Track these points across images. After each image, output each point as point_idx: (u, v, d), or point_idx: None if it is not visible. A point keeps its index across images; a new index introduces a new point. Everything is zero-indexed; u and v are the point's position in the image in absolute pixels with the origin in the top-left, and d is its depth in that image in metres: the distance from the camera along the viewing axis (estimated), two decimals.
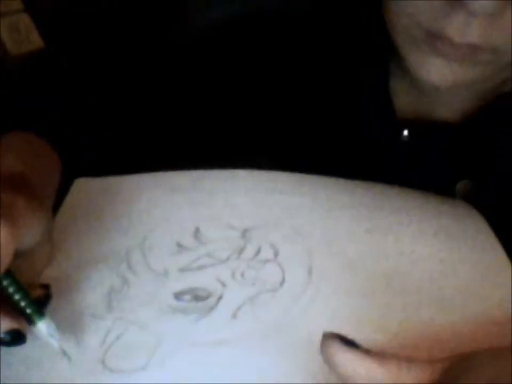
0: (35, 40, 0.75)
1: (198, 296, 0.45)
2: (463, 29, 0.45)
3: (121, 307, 0.46)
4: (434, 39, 0.48)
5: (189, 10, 0.71)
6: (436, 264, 0.46)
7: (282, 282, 0.45)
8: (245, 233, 0.49)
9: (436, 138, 0.56)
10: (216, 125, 0.64)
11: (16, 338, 0.39)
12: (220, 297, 0.45)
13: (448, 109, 0.57)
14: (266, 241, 0.48)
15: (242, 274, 0.46)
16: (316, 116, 0.61)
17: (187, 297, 0.45)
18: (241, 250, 0.48)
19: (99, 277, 0.48)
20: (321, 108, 0.61)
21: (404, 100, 0.59)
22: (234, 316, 0.43)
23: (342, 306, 0.43)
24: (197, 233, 0.50)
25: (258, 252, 0.48)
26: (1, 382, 0.40)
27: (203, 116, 0.65)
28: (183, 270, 0.48)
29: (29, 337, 0.41)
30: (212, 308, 0.44)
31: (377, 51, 0.59)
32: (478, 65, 0.48)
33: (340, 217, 0.50)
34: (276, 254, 0.47)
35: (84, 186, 0.53)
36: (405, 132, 0.57)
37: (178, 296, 0.46)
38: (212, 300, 0.45)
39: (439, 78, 0.49)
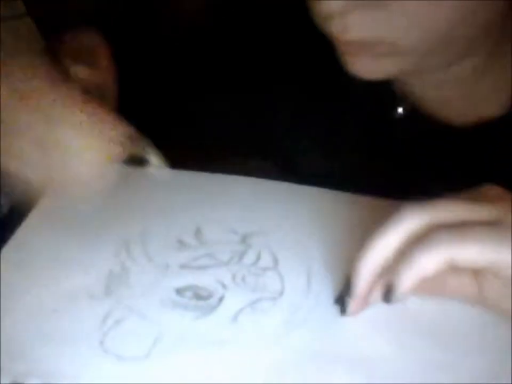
0: (37, 43, 0.75)
1: (199, 294, 0.46)
2: (341, 28, 0.46)
3: (120, 292, 0.47)
4: (333, 39, 0.48)
5: None
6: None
7: (282, 291, 0.47)
8: (245, 238, 0.51)
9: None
10: (212, 124, 0.65)
11: None
12: (221, 299, 0.46)
13: (434, 100, 0.57)
14: (266, 248, 0.50)
15: (243, 279, 0.47)
16: (309, 102, 0.62)
17: (188, 294, 0.46)
18: (242, 255, 0.49)
19: (98, 260, 0.49)
20: (313, 93, 0.62)
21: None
22: (235, 318, 0.45)
23: (341, 316, 0.44)
24: (198, 232, 0.51)
25: (258, 258, 0.49)
26: None
27: (198, 114, 0.65)
28: (183, 266, 0.49)
29: None
30: (213, 308, 0.45)
31: None
32: (391, 58, 0.48)
33: (339, 226, 0.51)
34: (276, 262, 0.49)
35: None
36: (400, 110, 0.57)
37: (179, 291, 0.46)
38: (213, 300, 0.46)
39: (368, 72, 0.49)
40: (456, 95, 0.56)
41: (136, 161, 0.49)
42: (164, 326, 0.44)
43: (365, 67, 0.49)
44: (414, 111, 0.57)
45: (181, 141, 0.63)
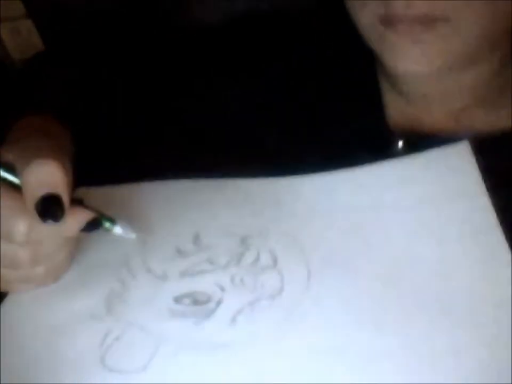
0: (37, 44, 0.76)
1: (197, 300, 0.46)
2: (406, 4, 0.49)
3: (120, 309, 0.46)
4: (389, 23, 0.50)
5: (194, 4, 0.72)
6: (434, 262, 0.46)
7: (281, 289, 0.46)
8: (244, 240, 0.50)
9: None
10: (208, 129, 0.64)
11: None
12: (219, 302, 0.45)
13: (440, 116, 0.58)
14: (265, 248, 0.49)
15: (241, 280, 0.47)
16: (307, 123, 0.61)
17: (186, 301, 0.46)
18: (240, 257, 0.49)
19: (99, 281, 0.49)
20: (311, 116, 0.61)
21: (395, 112, 0.59)
22: (233, 320, 0.44)
23: (340, 314, 0.44)
24: (196, 239, 0.51)
25: (257, 258, 0.48)
26: None
27: (195, 121, 0.65)
28: (182, 274, 0.48)
29: None
30: (211, 312, 0.45)
31: (364, 62, 0.60)
32: (444, 43, 0.50)
33: (338, 223, 0.50)
34: (275, 261, 0.48)
35: (84, 195, 0.53)
36: (400, 143, 0.57)
37: (178, 299, 0.46)
38: (211, 304, 0.45)
39: (415, 64, 0.51)
40: (467, 105, 0.57)
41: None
42: (162, 336, 0.44)
43: (415, 56, 0.51)
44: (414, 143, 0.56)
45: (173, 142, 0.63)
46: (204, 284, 0.47)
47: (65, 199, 0.44)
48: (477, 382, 0.39)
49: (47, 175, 0.43)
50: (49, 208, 0.43)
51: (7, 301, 0.49)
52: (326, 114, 0.60)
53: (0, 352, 0.44)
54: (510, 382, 0.38)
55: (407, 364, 0.40)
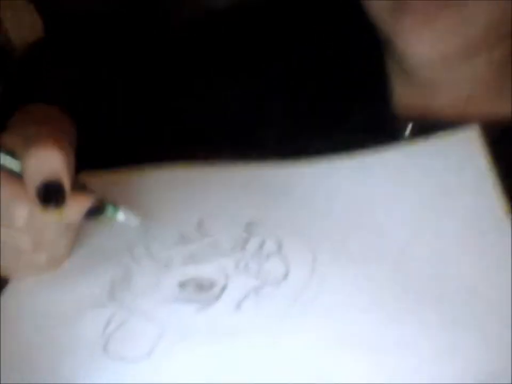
0: (38, 29, 0.75)
1: (201, 286, 0.45)
2: None
3: (123, 297, 0.46)
4: (402, 6, 0.50)
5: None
6: (441, 250, 0.46)
7: (286, 276, 0.45)
8: (248, 226, 0.49)
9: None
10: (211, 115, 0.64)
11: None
12: (224, 288, 0.45)
13: (449, 102, 0.57)
14: (270, 234, 0.48)
15: (246, 266, 0.46)
16: (311, 110, 0.61)
17: (190, 287, 0.45)
18: (245, 243, 0.48)
19: (101, 268, 0.48)
20: (316, 103, 0.61)
21: (403, 97, 0.59)
22: (238, 306, 0.43)
23: (345, 300, 0.43)
24: (200, 225, 0.50)
25: (262, 245, 0.48)
26: None
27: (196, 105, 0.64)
28: (186, 260, 0.47)
29: None
30: (216, 298, 0.44)
31: (371, 46, 0.59)
32: (458, 28, 0.50)
33: (344, 209, 0.50)
34: (280, 247, 0.47)
35: (87, 181, 0.52)
36: (408, 128, 0.57)
37: (182, 286, 0.45)
38: (215, 290, 0.45)
39: (427, 48, 0.51)
40: (476, 91, 0.56)
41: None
42: (166, 323, 0.43)
43: (428, 40, 0.50)
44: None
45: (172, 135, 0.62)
46: (208, 270, 0.46)
47: (66, 184, 0.43)
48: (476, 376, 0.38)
49: (48, 161, 0.43)
50: (50, 194, 0.43)
51: (9, 288, 0.48)
52: (332, 100, 0.59)
53: (0, 340, 0.44)
54: (510, 382, 0.37)
55: (414, 351, 0.40)
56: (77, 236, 0.49)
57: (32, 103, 0.59)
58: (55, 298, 0.47)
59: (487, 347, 0.40)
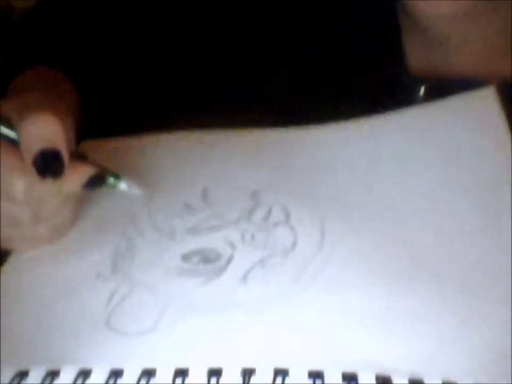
0: None
1: (206, 257, 0.44)
2: None
3: (127, 269, 0.45)
4: None
5: None
6: (453, 219, 0.44)
7: (294, 245, 0.44)
8: (255, 194, 0.48)
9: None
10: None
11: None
12: (230, 259, 0.43)
13: (464, 61, 0.56)
14: (277, 203, 0.47)
15: (252, 237, 0.45)
16: (324, 72, 0.59)
17: (195, 259, 0.44)
18: (251, 212, 0.47)
19: (104, 239, 0.47)
20: (329, 65, 0.59)
21: (417, 57, 0.57)
22: (244, 278, 0.42)
23: (354, 270, 0.42)
24: (205, 193, 0.49)
25: (269, 214, 0.46)
26: None
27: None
28: (190, 231, 0.46)
29: None
30: (221, 270, 0.43)
31: (384, 5, 0.58)
32: None
33: (355, 176, 0.48)
34: (288, 216, 0.46)
35: (89, 148, 0.51)
36: (422, 89, 0.55)
37: (186, 257, 0.44)
38: (221, 262, 0.43)
39: (442, 4, 0.49)
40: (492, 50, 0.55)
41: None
42: (170, 296, 0.42)
43: None
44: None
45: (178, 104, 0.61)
46: (213, 241, 0.45)
47: (65, 153, 0.42)
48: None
49: (45, 129, 0.41)
50: (48, 163, 0.41)
51: (10, 260, 0.47)
52: (345, 61, 0.58)
53: (1, 312, 0.43)
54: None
55: (420, 323, 0.39)
56: (79, 206, 0.48)
57: (33, 66, 0.57)
58: (57, 271, 0.46)
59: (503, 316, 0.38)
